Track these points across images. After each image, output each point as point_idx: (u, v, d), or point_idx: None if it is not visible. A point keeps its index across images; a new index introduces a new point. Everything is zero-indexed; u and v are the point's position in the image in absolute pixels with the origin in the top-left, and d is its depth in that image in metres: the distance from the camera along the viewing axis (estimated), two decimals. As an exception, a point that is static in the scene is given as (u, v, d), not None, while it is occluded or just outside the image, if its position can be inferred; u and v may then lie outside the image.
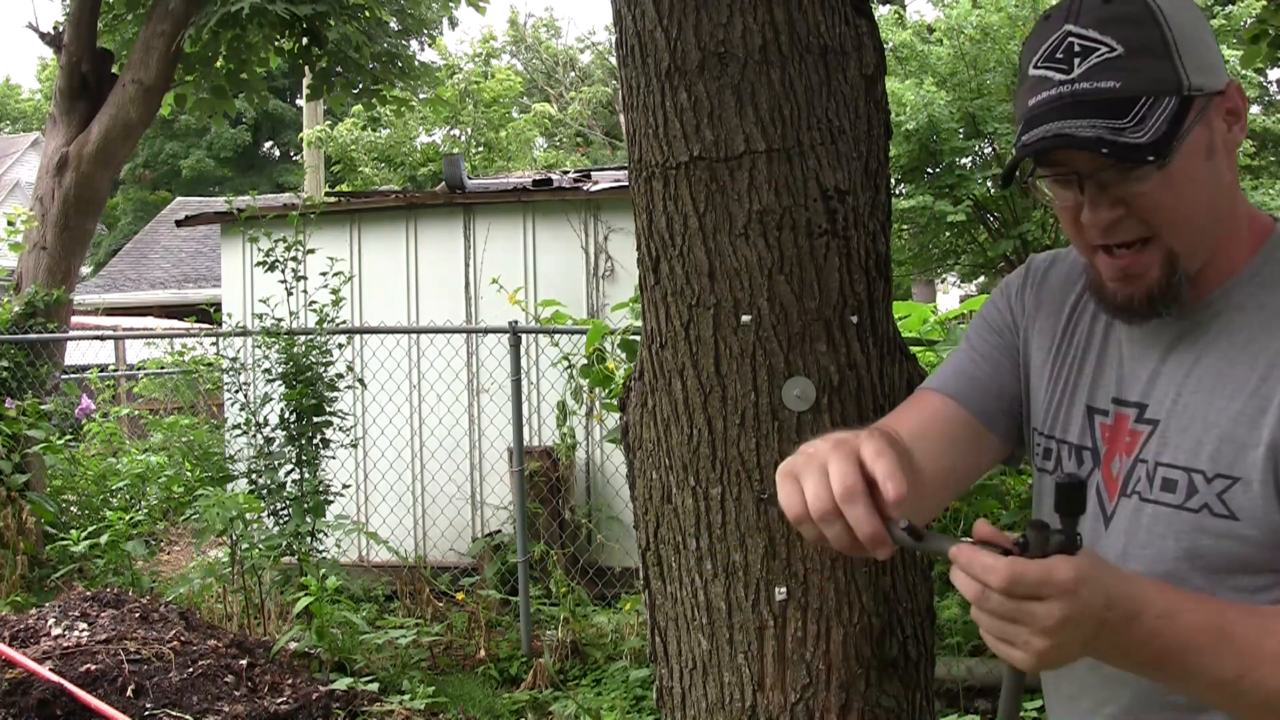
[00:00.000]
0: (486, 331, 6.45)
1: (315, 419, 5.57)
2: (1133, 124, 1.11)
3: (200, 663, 4.09)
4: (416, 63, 8.72)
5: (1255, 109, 18.60)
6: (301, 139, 20.50)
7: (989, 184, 15.03)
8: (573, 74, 31.12)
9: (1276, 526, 1.11)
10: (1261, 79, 18.33)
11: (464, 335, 6.72)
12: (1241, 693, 1.02)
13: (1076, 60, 1.16)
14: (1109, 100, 1.13)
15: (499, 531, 6.64)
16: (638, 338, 2.82)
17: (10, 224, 7.35)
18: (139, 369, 10.64)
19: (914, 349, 2.33)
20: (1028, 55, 1.21)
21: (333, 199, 7.80)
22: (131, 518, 5.82)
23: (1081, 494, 0.97)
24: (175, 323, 13.35)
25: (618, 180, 7.17)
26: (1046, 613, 0.94)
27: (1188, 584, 1.15)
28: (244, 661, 4.25)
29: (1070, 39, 1.17)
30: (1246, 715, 1.07)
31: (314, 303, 5.67)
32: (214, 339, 7.30)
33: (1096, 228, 1.17)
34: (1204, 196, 1.16)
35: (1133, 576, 1.04)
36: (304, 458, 5.58)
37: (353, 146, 19.73)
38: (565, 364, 5.44)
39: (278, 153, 35.92)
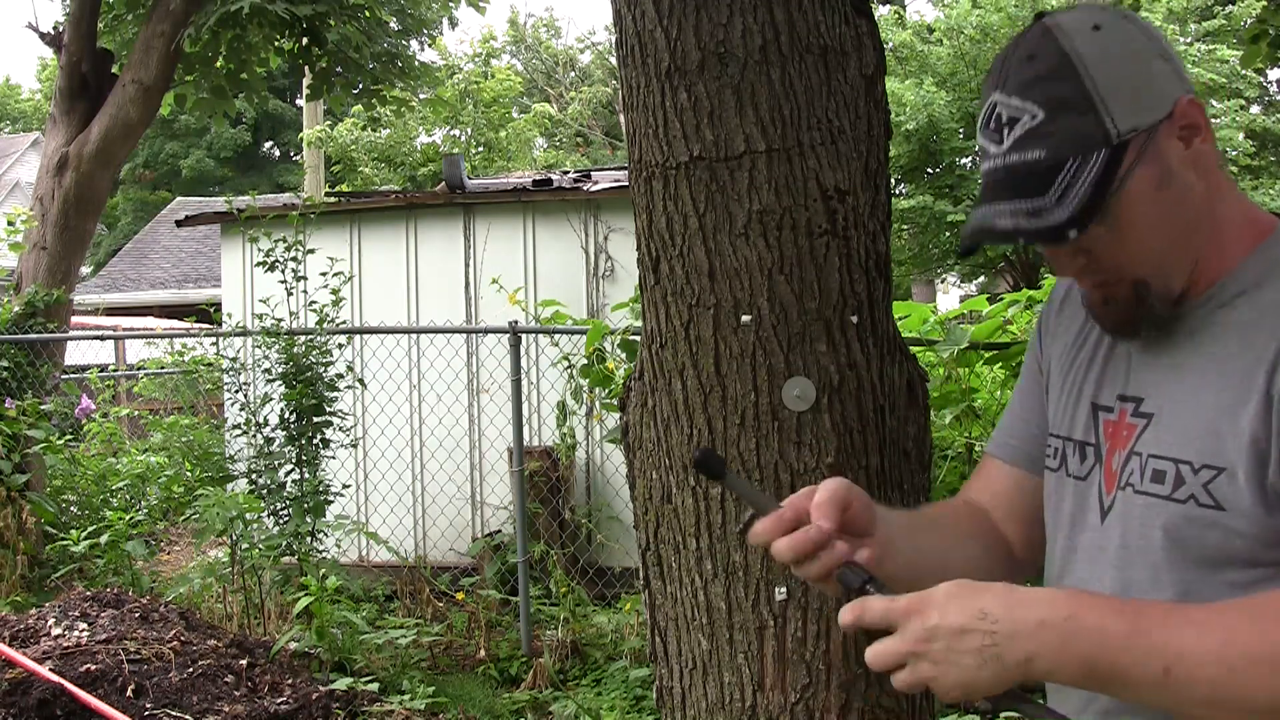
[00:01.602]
0: (486, 331, 6.45)
1: (315, 419, 5.57)
2: (1055, 198, 1.14)
3: (200, 663, 4.09)
4: (416, 63, 8.72)
5: (1255, 109, 18.57)
6: (301, 139, 20.49)
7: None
8: (573, 74, 31.13)
9: (1260, 518, 1.12)
10: (1261, 79, 18.31)
11: (464, 335, 6.72)
12: (1173, 687, 1.02)
13: (1005, 131, 1.19)
14: (1036, 172, 1.16)
15: (499, 531, 6.64)
16: (638, 338, 2.82)
17: (10, 224, 7.35)
18: (139, 369, 10.64)
19: (914, 349, 2.32)
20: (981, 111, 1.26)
21: (333, 199, 7.80)
22: (131, 518, 5.82)
23: (714, 459, 1.15)
24: (175, 323, 13.35)
25: (618, 180, 7.17)
26: (891, 643, 1.05)
27: (1179, 576, 1.17)
28: (244, 661, 4.25)
29: (999, 108, 1.20)
30: (1198, 706, 1.06)
31: (314, 303, 5.67)
32: (214, 339, 7.30)
33: (1066, 276, 1.24)
34: (1162, 228, 1.19)
35: (1035, 591, 1.07)
36: (304, 458, 5.58)
37: (353, 146, 19.73)
38: (565, 364, 5.44)
39: (278, 153, 35.92)
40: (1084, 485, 1.30)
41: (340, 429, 5.72)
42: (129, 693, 3.80)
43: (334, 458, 5.88)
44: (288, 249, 5.76)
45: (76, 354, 9.79)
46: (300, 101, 28.21)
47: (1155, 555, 1.19)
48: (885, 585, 1.13)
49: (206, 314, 7.19)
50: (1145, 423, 1.24)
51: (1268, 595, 1.05)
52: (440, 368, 6.58)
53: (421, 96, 13.94)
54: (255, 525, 5.48)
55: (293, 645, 4.77)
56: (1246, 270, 1.20)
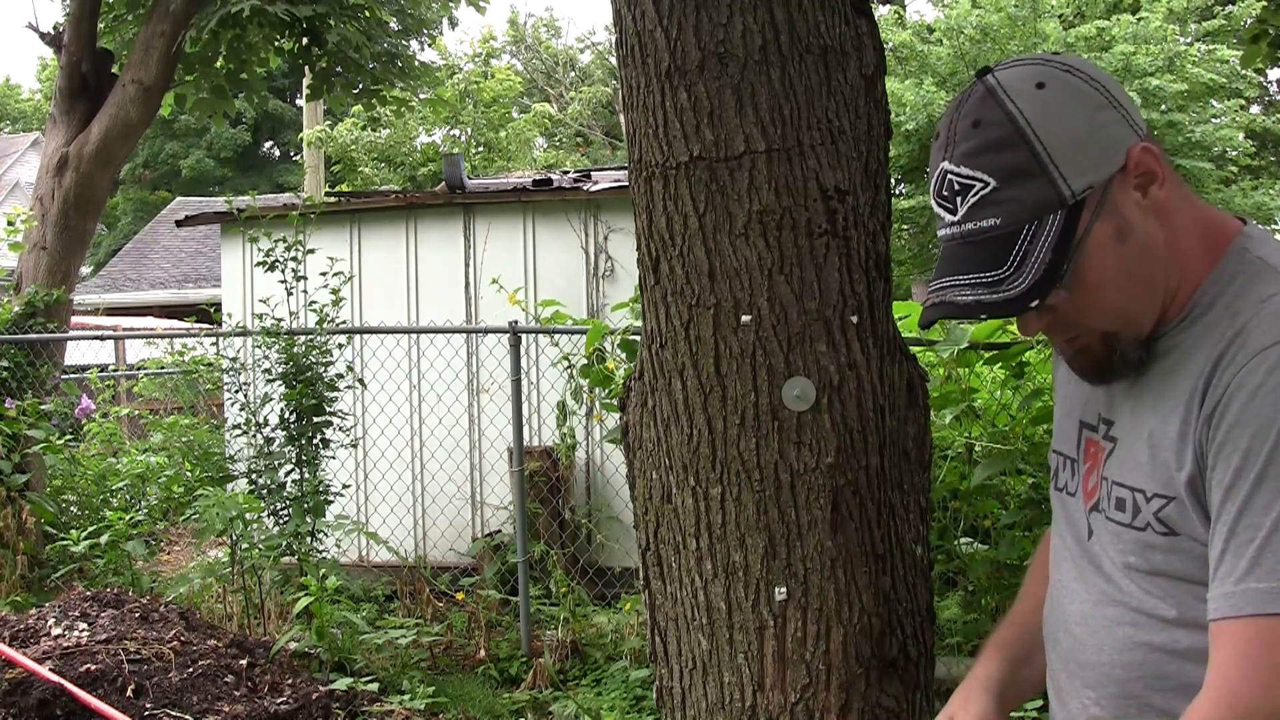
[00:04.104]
0: (486, 331, 6.45)
1: (315, 419, 5.56)
2: (1013, 267, 1.14)
3: (200, 663, 4.09)
4: (416, 63, 8.72)
5: (1255, 109, 18.57)
6: (301, 139, 20.49)
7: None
8: (573, 74, 31.12)
9: (1207, 541, 1.14)
10: (1261, 79, 18.31)
11: (464, 335, 6.72)
12: None
13: (959, 199, 1.18)
14: (992, 240, 1.15)
15: (499, 531, 6.64)
16: (638, 338, 2.82)
17: (10, 224, 7.35)
18: (139, 369, 10.63)
19: (914, 349, 2.32)
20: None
21: (333, 199, 7.80)
22: (131, 518, 5.82)
23: None
24: (175, 323, 13.35)
25: (618, 180, 7.16)
26: None
27: (1158, 598, 1.19)
28: (244, 661, 4.25)
29: (949, 176, 1.19)
30: None
31: (314, 303, 5.67)
32: (214, 339, 7.29)
33: (1030, 335, 1.26)
34: (1125, 280, 1.18)
35: None
36: (304, 458, 5.58)
37: (353, 146, 19.73)
38: (565, 364, 5.44)
39: (278, 153, 35.91)
40: (1074, 501, 1.33)
41: (340, 429, 5.72)
42: (129, 693, 3.80)
43: (334, 458, 5.88)
44: (288, 249, 5.76)
45: (76, 354, 9.79)
46: (300, 101, 28.21)
47: (1134, 579, 1.22)
48: None
49: (206, 314, 7.19)
50: (1112, 446, 1.26)
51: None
52: (440, 368, 6.58)
53: (421, 96, 13.93)
54: (255, 525, 5.47)
55: (293, 645, 4.77)
56: (1204, 294, 1.20)
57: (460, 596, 5.79)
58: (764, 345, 1.80)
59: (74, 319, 8.18)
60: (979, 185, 1.16)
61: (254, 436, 5.75)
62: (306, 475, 5.57)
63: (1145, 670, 1.20)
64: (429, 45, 23.59)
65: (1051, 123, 1.15)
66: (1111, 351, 1.22)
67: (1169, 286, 1.21)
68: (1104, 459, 1.27)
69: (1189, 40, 16.16)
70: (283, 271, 5.74)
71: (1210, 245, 1.22)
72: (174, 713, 3.75)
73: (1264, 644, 1.05)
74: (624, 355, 4.67)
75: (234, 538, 5.47)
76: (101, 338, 10.48)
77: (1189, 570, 1.16)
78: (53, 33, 7.59)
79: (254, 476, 5.65)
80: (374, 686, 4.52)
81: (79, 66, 7.40)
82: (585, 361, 4.93)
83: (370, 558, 6.82)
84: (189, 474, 6.21)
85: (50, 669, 3.82)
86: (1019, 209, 1.14)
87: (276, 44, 7.85)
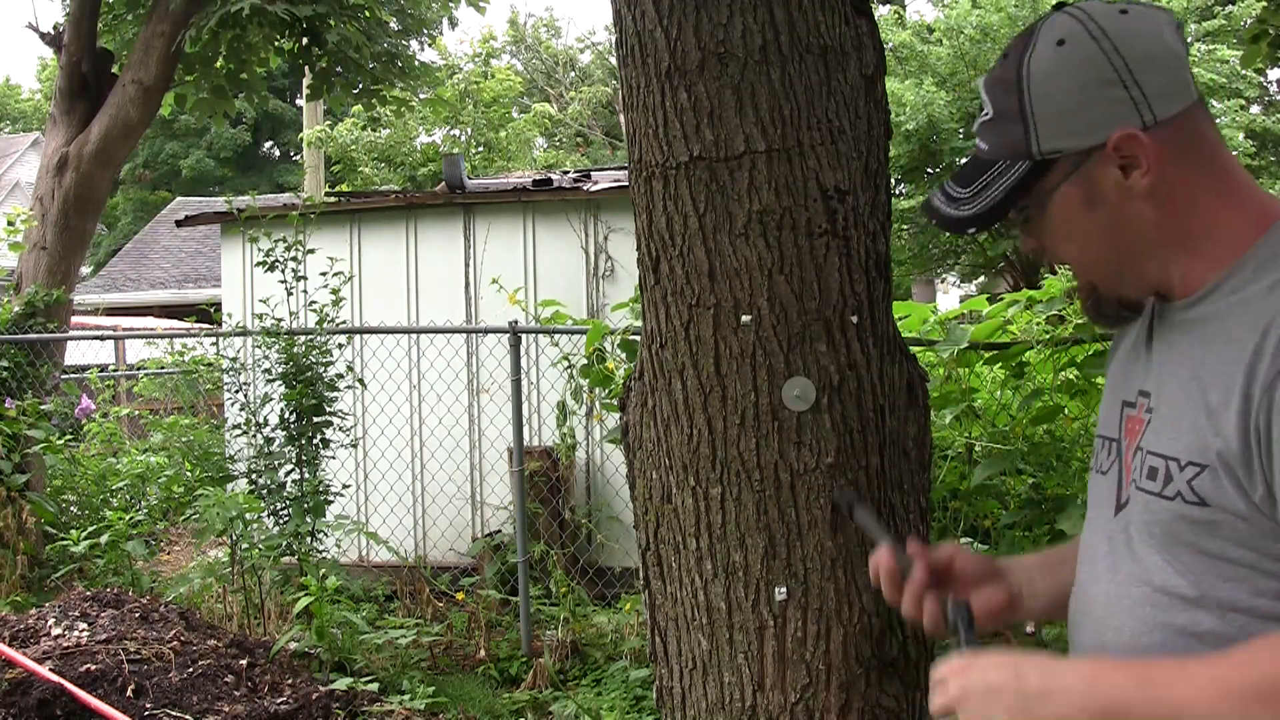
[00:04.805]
0: (486, 331, 6.45)
1: (315, 419, 5.56)
2: (972, 194, 1.27)
3: (200, 663, 4.09)
4: (416, 63, 8.72)
5: (1255, 109, 18.57)
6: (301, 139, 20.49)
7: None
8: (573, 74, 31.12)
9: (1243, 514, 1.13)
10: (1261, 79, 18.31)
11: (464, 335, 6.72)
12: None
13: (978, 114, 1.31)
14: (975, 162, 1.29)
15: (499, 531, 6.64)
16: (638, 338, 2.82)
17: (10, 224, 7.35)
18: (139, 369, 10.63)
19: (914, 349, 2.32)
20: None
21: (333, 199, 7.80)
22: (131, 518, 5.82)
23: (961, 612, 1.37)
24: (175, 323, 13.35)
25: (618, 180, 7.16)
26: (943, 696, 1.26)
27: (1186, 566, 1.19)
28: (244, 661, 4.24)
29: (982, 93, 1.30)
30: None
31: (314, 303, 5.67)
32: (214, 339, 7.30)
33: (1027, 250, 1.36)
34: (1096, 244, 1.26)
35: (1066, 662, 1.22)
36: (304, 458, 5.58)
37: (353, 146, 19.72)
38: (565, 364, 5.44)
39: (278, 153, 35.91)
40: (1106, 479, 1.33)
41: (340, 429, 5.72)
42: (129, 693, 3.80)
43: (334, 458, 5.88)
44: (288, 249, 5.76)
45: (76, 354, 9.79)
46: (300, 101, 28.21)
47: (1159, 552, 1.21)
48: (973, 623, 1.37)
49: (206, 314, 7.18)
50: (1150, 418, 1.26)
51: (1252, 645, 1.11)
52: (440, 368, 6.58)
53: (421, 96, 13.92)
54: (255, 525, 5.47)
55: (293, 645, 4.77)
56: (1241, 267, 1.20)
57: (460, 596, 5.79)
58: (764, 345, 1.80)
59: (74, 319, 8.17)
60: (985, 111, 1.28)
61: (254, 436, 5.74)
62: (306, 475, 5.57)
63: (1164, 653, 1.20)
64: (429, 45, 23.59)
65: (1047, 84, 1.22)
66: (1092, 299, 1.31)
67: (1175, 264, 1.24)
68: (1142, 431, 1.27)
69: (1189, 40, 16.17)
70: (283, 271, 5.74)
71: (1253, 224, 1.22)
72: (174, 713, 3.75)
73: None
74: (624, 355, 4.67)
75: (234, 538, 5.47)
76: (101, 338, 10.48)
77: (1216, 545, 1.15)
78: (53, 33, 7.59)
79: (254, 476, 5.64)
80: (374, 686, 4.52)
81: (79, 66, 7.40)
82: (585, 361, 4.93)
83: (370, 558, 6.82)
84: (189, 474, 6.21)
85: (50, 669, 3.82)
86: (999, 145, 1.26)
87: (276, 44, 7.84)
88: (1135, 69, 1.20)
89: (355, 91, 8.42)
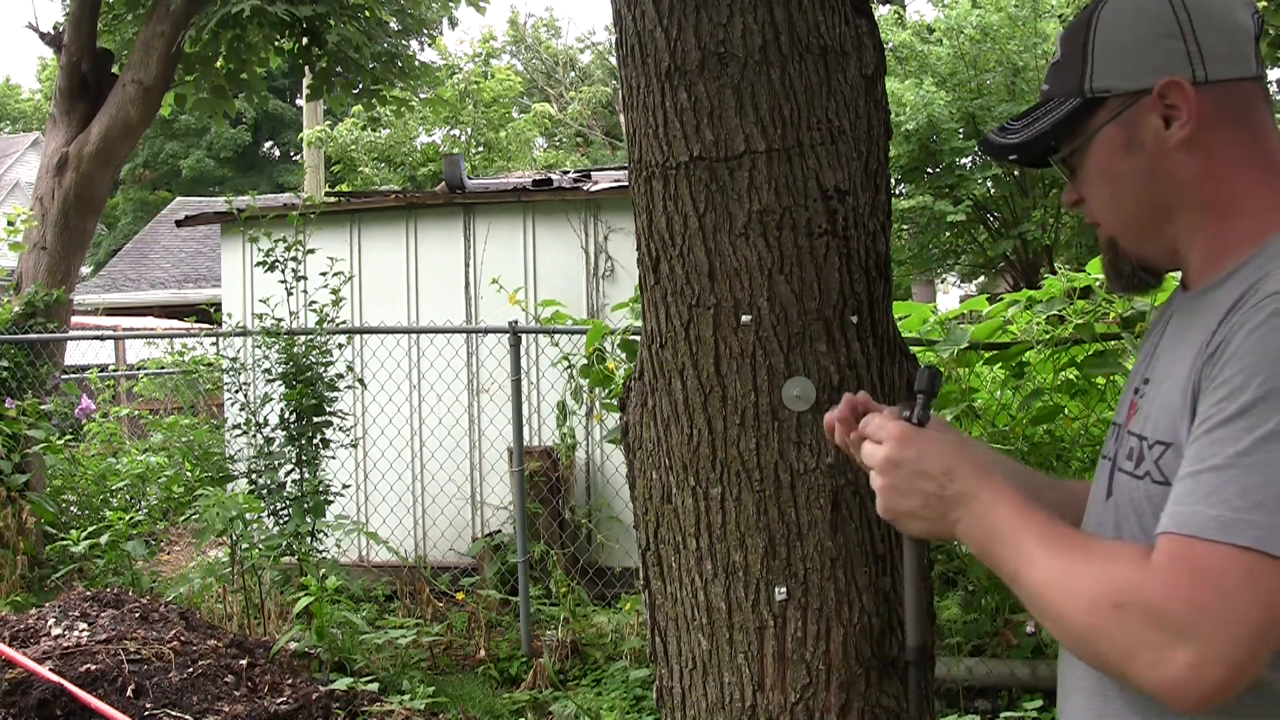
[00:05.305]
0: (486, 331, 6.45)
1: (315, 419, 5.57)
2: (1023, 126, 1.30)
3: (200, 663, 4.09)
4: (416, 63, 8.72)
5: (1255, 109, 18.54)
6: (301, 139, 20.50)
7: (989, 184, 15.02)
8: (573, 74, 31.13)
9: None
10: (1261, 79, 18.29)
11: (464, 335, 6.72)
12: (1018, 587, 1.18)
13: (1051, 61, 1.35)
14: (1036, 102, 1.32)
15: (499, 531, 6.64)
16: (638, 338, 2.82)
17: (10, 224, 7.35)
18: (139, 369, 10.63)
19: (914, 349, 2.33)
20: None
21: (333, 199, 7.80)
22: (131, 518, 5.82)
23: (930, 376, 1.32)
24: (175, 323, 13.35)
25: (618, 180, 7.17)
26: (873, 450, 1.25)
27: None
28: (244, 661, 4.24)
29: (1057, 41, 1.34)
30: (1031, 610, 1.18)
31: (314, 303, 5.67)
32: (214, 339, 7.30)
33: (1067, 203, 1.36)
34: (1127, 190, 1.26)
35: (998, 478, 1.22)
36: (304, 458, 5.58)
37: (353, 146, 19.72)
38: (565, 364, 5.44)
39: (278, 153, 35.92)
40: (1106, 464, 1.33)
41: (340, 429, 5.72)
42: (129, 693, 3.80)
43: (334, 458, 5.88)
44: (288, 249, 5.76)
45: (76, 354, 9.79)
46: (300, 101, 28.21)
47: (1139, 532, 1.19)
48: (935, 394, 1.32)
49: (206, 314, 7.19)
50: (1141, 401, 1.27)
51: (1122, 543, 1.15)
52: (440, 368, 6.58)
53: (421, 96, 13.92)
54: (255, 525, 5.48)
55: (293, 645, 4.77)
56: (1256, 254, 1.18)
57: (460, 596, 5.79)
58: (764, 345, 1.80)
59: (74, 319, 8.18)
60: (1056, 55, 1.32)
61: (254, 436, 5.75)
62: (306, 475, 5.57)
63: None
64: (429, 45, 23.56)
65: (1111, 28, 1.25)
66: (1111, 256, 1.31)
67: (1200, 233, 1.22)
68: (1134, 414, 1.27)
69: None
70: (283, 271, 5.74)
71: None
72: (174, 713, 3.75)
73: (1189, 568, 1.02)
74: (624, 355, 4.67)
75: (234, 538, 5.47)
76: (101, 338, 10.48)
77: None
78: (53, 33, 7.59)
79: (254, 476, 5.65)
80: (374, 686, 4.52)
81: (79, 66, 7.40)
82: (585, 361, 4.93)
83: (370, 558, 6.82)
84: (189, 474, 6.22)
85: (50, 669, 3.82)
86: (1057, 84, 1.29)
87: (276, 44, 7.85)
88: (1198, 25, 1.21)
89: (355, 91, 8.42)
